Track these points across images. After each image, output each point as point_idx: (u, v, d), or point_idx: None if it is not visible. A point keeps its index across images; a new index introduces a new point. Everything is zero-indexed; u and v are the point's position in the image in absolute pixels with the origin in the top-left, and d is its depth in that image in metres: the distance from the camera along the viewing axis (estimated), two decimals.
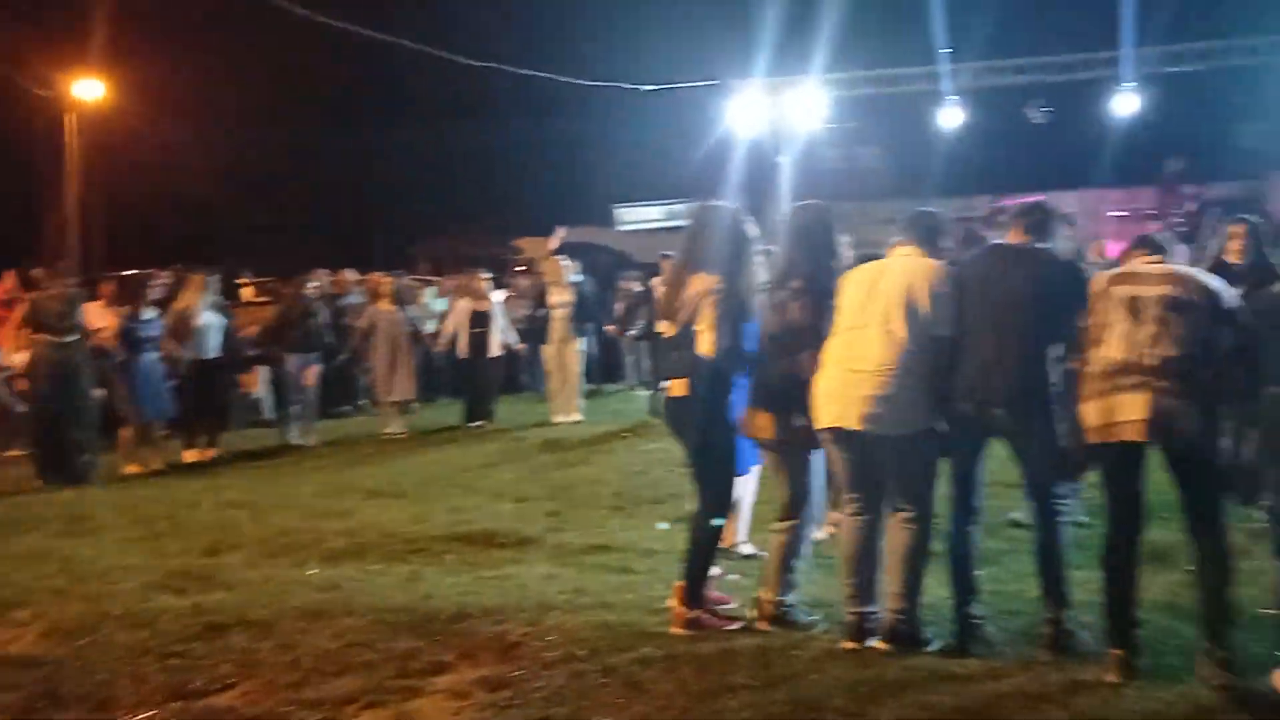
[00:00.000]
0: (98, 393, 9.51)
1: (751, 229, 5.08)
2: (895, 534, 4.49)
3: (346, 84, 27.22)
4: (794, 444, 4.71)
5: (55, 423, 9.08)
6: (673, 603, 4.83)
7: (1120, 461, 4.09)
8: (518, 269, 21.84)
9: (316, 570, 6.02)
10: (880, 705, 3.89)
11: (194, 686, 4.31)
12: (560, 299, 11.97)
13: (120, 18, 19.69)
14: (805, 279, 4.71)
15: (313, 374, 11.09)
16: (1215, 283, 4.14)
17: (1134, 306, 4.05)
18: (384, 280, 12.17)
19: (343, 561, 6.21)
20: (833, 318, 4.59)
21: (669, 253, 8.79)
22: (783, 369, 4.68)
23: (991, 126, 19.36)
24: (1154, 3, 16.11)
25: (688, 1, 21.13)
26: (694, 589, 4.82)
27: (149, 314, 10.05)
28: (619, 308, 14.33)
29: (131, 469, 9.70)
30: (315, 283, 11.71)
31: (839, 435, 4.48)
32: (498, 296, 12.44)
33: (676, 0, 21.64)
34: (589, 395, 12.74)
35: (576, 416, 11.78)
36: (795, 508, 4.78)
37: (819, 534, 5.81)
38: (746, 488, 5.76)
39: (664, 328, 5.02)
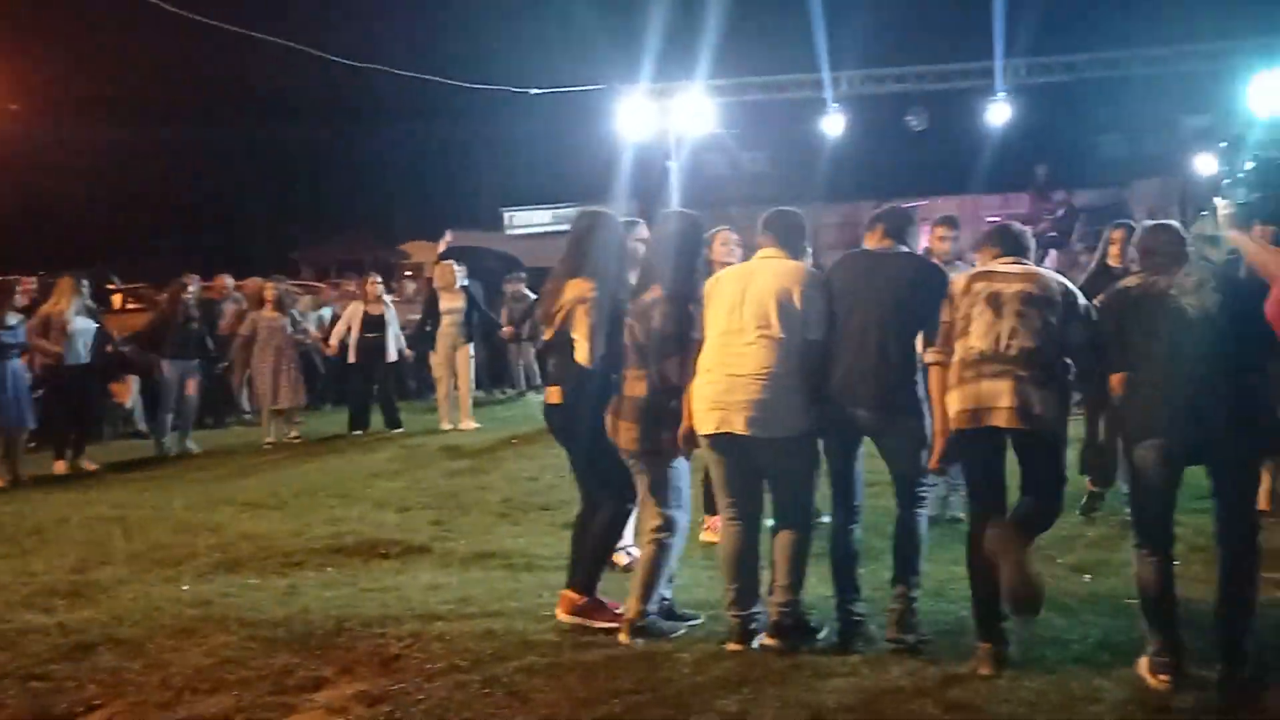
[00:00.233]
0: None
1: (643, 232, 5.07)
2: (780, 534, 4.55)
3: (223, 84, 26.44)
4: (662, 454, 4.65)
5: None
6: (560, 610, 4.83)
7: (983, 448, 4.23)
8: (405, 274, 21.55)
9: (189, 586, 5.82)
10: (763, 705, 3.92)
11: (58, 710, 4.15)
12: (451, 305, 11.83)
13: None
14: (666, 286, 4.67)
15: (193, 382, 10.81)
16: (1067, 282, 4.34)
17: (995, 301, 4.22)
18: (267, 285, 11.83)
19: (217, 576, 6.02)
20: (695, 325, 4.61)
21: None
22: (648, 378, 4.63)
23: (874, 133, 19.75)
24: (1023, 16, 16.68)
25: (575, 6, 21.09)
26: (589, 579, 4.83)
27: (13, 320, 9.58)
28: (504, 312, 14.24)
29: None
30: (193, 288, 11.34)
31: (720, 441, 4.49)
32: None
33: (564, 5, 21.58)
34: (477, 403, 12.59)
35: (473, 425, 11.63)
36: (663, 519, 4.71)
37: (710, 536, 5.84)
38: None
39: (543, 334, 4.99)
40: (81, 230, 26.36)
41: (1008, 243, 4.47)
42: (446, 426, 11.58)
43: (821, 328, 4.47)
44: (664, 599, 4.79)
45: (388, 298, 12.29)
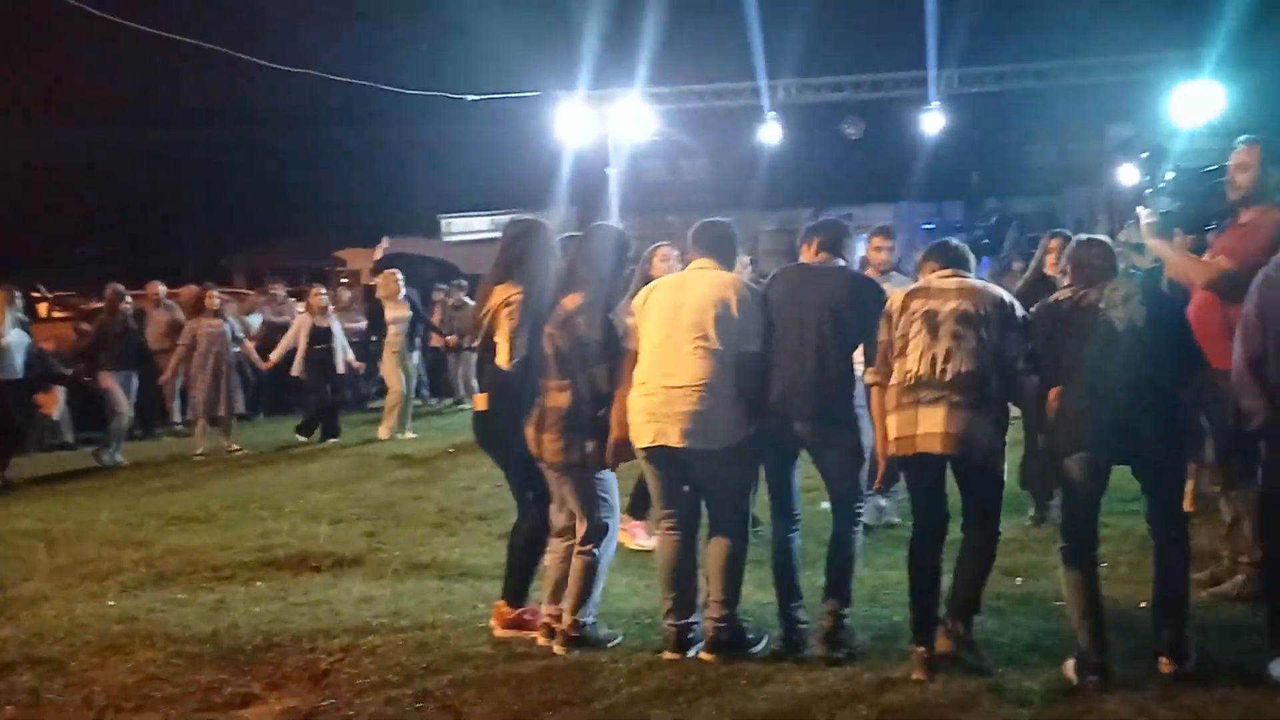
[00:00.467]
0: None
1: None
2: (714, 545, 4.53)
3: (151, 89, 25.93)
4: (586, 466, 4.59)
5: None
6: (493, 622, 4.80)
7: (923, 471, 4.29)
8: (341, 281, 21.30)
9: (114, 601, 5.68)
10: (698, 713, 3.93)
11: None
12: (396, 314, 11.70)
13: None
14: (589, 294, 4.63)
15: (131, 392, 10.63)
16: (1006, 296, 4.36)
17: (931, 321, 4.24)
18: (210, 293, 11.60)
19: (143, 591, 5.87)
20: (621, 334, 4.61)
21: None
22: (572, 388, 4.57)
23: (810, 141, 19.98)
24: (955, 27, 17.00)
25: (514, 13, 21.03)
26: (518, 589, 4.80)
27: None
28: (435, 319, 14.15)
29: None
30: (129, 297, 11.16)
31: (657, 453, 4.47)
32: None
33: (502, 11, 21.50)
34: (415, 413, 12.46)
35: (410, 434, 11.52)
36: (593, 531, 4.66)
37: (648, 543, 5.82)
38: None
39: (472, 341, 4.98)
40: (4, 237, 25.67)
41: (946, 256, 4.49)
42: (385, 435, 11.46)
43: (758, 339, 4.47)
44: (569, 616, 4.73)
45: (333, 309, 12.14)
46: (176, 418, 12.94)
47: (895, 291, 4.51)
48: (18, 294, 10.12)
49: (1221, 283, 4.74)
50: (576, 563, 4.66)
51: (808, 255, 4.80)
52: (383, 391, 14.31)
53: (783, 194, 21.84)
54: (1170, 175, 5.30)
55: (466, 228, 25.11)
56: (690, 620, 4.52)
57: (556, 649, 4.58)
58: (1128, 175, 16.05)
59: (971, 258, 4.58)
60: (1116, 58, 16.87)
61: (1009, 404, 4.33)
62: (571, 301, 4.63)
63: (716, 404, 4.38)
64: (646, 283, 5.94)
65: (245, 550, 6.67)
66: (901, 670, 4.22)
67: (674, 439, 4.38)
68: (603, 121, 17.79)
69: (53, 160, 25.42)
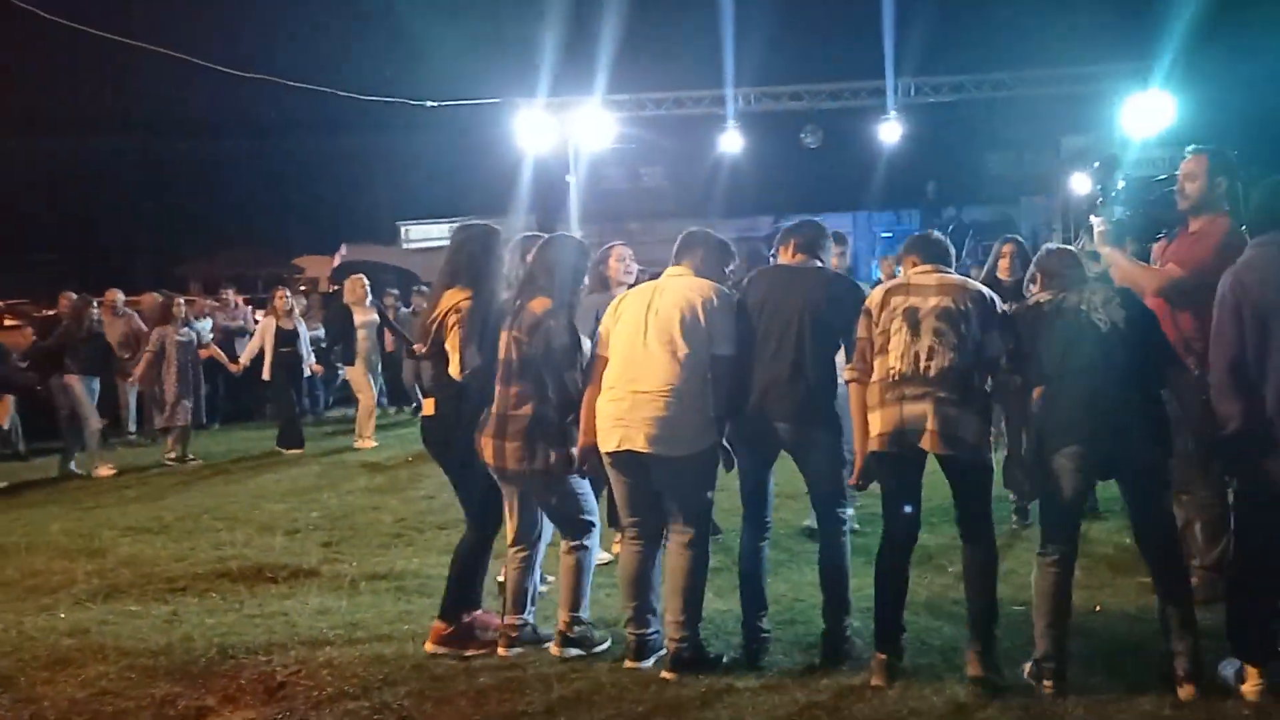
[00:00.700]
0: None
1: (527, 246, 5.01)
2: (675, 558, 4.50)
3: (107, 94, 25.58)
4: (550, 473, 4.55)
5: None
6: (429, 641, 4.75)
7: (903, 469, 4.27)
8: (299, 288, 21.09)
9: (66, 614, 5.58)
10: None
11: None
12: (365, 319, 11.59)
13: None
14: (557, 299, 4.61)
15: (94, 396, 10.50)
16: (986, 292, 4.37)
17: (912, 318, 4.23)
18: (177, 300, 11.46)
19: (95, 604, 5.77)
20: (579, 341, 4.59)
21: None
22: (539, 394, 4.53)
23: (770, 150, 20.07)
24: (913, 37, 17.17)
25: (474, 20, 20.99)
26: (454, 607, 4.74)
27: None
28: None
29: None
30: (95, 304, 11.04)
31: (622, 458, 4.45)
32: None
33: (463, 18, 21.44)
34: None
35: (371, 443, 11.42)
36: (576, 533, 4.66)
37: (604, 556, 5.79)
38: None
39: (419, 347, 4.90)
40: None
41: (928, 250, 4.47)
42: (360, 445, 11.34)
43: (731, 343, 4.46)
44: (527, 622, 4.74)
45: (298, 312, 12.02)
46: (131, 428, 12.75)
47: (875, 289, 4.50)
48: None
49: (1171, 290, 4.82)
50: (567, 561, 4.64)
51: (785, 257, 4.80)
52: (341, 400, 14.25)
53: (742, 202, 21.92)
54: (1121, 184, 5.38)
55: (425, 235, 24.96)
56: (651, 630, 4.51)
57: (553, 651, 4.56)
58: (1081, 184, 16.27)
59: (953, 251, 4.57)
60: (1069, 69, 17.12)
61: (991, 399, 4.34)
62: (540, 305, 4.58)
63: (682, 410, 4.36)
64: (602, 283, 5.97)
65: (200, 561, 6.59)
66: (860, 678, 4.24)
67: (639, 444, 4.37)
68: (563, 129, 17.77)
69: (3, 167, 25.00)
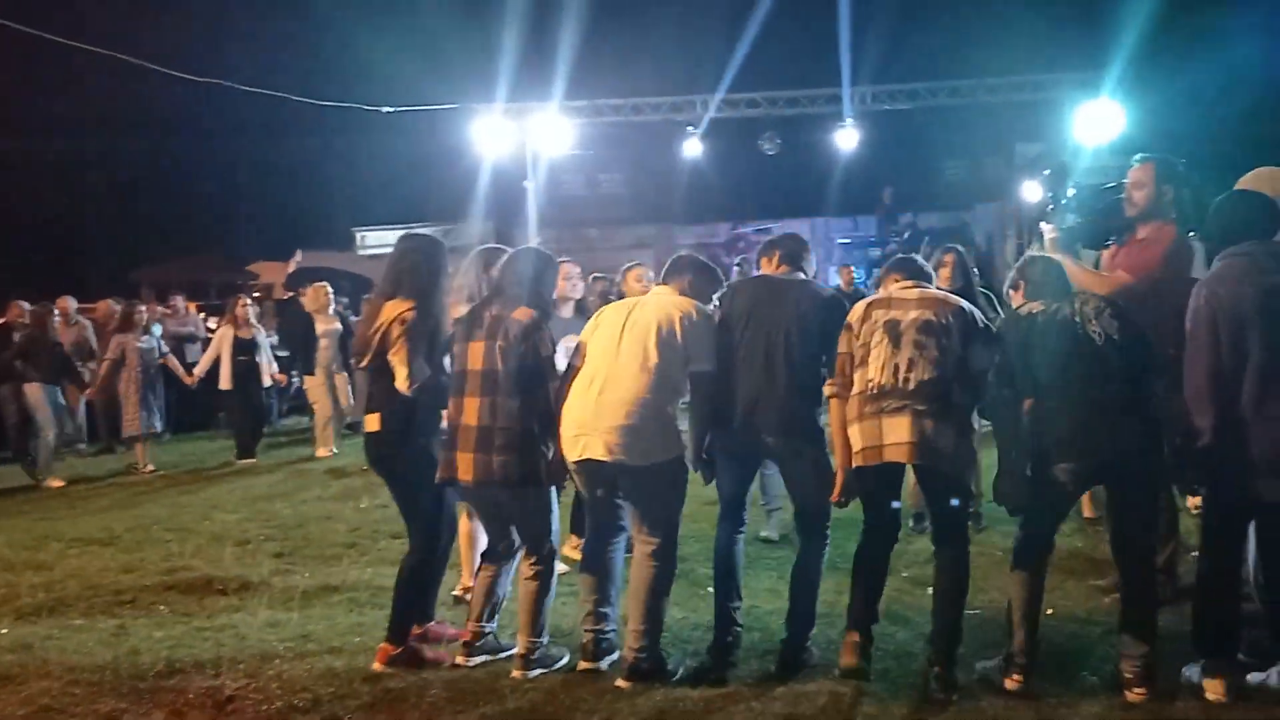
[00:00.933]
0: None
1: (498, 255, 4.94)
2: (639, 568, 4.47)
3: (57, 98, 25.12)
4: (532, 484, 4.47)
5: None
6: (376, 661, 4.66)
7: (883, 481, 4.29)
8: (254, 295, 20.84)
9: (9, 629, 5.47)
10: None
11: None
12: (327, 327, 11.46)
13: None
14: (539, 309, 4.58)
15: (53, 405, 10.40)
16: (967, 305, 4.39)
17: (893, 331, 4.25)
18: (137, 308, 11.27)
19: (40, 618, 5.66)
20: (551, 353, 4.56)
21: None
22: (524, 404, 4.45)
23: (729, 156, 20.11)
24: (869, 46, 17.31)
25: (432, 25, 20.86)
26: (401, 628, 4.67)
27: None
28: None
29: None
30: (57, 311, 10.92)
31: (587, 466, 4.42)
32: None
33: (420, 23, 21.31)
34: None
35: (327, 451, 11.28)
36: (541, 551, 4.58)
37: (562, 567, 5.75)
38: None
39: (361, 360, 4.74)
40: None
41: (909, 269, 4.53)
42: (320, 453, 11.19)
43: (710, 360, 4.46)
44: (489, 631, 4.68)
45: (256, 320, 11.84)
46: (83, 438, 12.53)
47: (858, 303, 4.51)
48: None
49: (1120, 296, 4.86)
50: (529, 586, 4.56)
51: (769, 268, 4.82)
52: (295, 410, 14.09)
53: (701, 208, 21.93)
54: (1072, 192, 5.43)
55: (381, 241, 24.72)
56: (607, 629, 4.49)
57: (515, 674, 4.47)
58: (1032, 192, 16.46)
59: (933, 274, 4.62)
60: (1023, 78, 17.31)
61: (972, 412, 4.34)
62: (525, 315, 4.51)
63: (648, 421, 4.35)
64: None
65: (149, 573, 6.48)
66: (816, 684, 4.25)
67: (599, 452, 4.34)
68: (521, 134, 17.70)
69: None
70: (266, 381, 11.52)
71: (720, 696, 4.21)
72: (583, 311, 6.23)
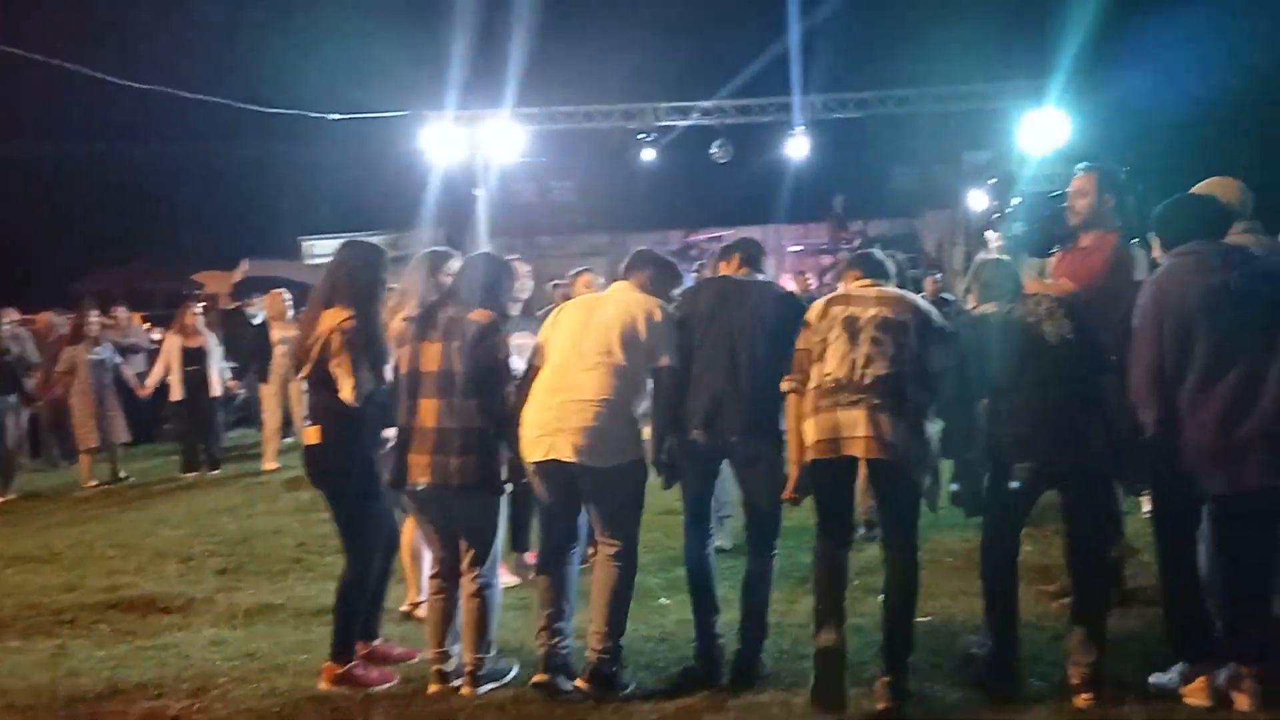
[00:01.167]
0: None
1: (455, 265, 4.88)
2: (601, 572, 4.44)
3: None
4: (489, 488, 4.45)
5: None
6: (322, 681, 4.58)
7: (836, 476, 4.26)
8: (201, 304, 20.49)
9: None
10: None
11: None
12: (284, 334, 11.28)
13: None
14: (496, 314, 4.53)
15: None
16: (924, 304, 4.40)
17: (851, 327, 4.24)
18: (90, 319, 11.00)
19: None
20: (509, 355, 4.52)
21: None
22: (484, 406, 4.42)
23: (680, 164, 20.14)
24: (819, 54, 17.44)
25: (380, 31, 20.70)
26: (342, 644, 4.60)
27: None
28: None
29: None
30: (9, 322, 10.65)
31: (548, 468, 4.36)
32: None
33: (368, 29, 21.13)
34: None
35: (274, 464, 11.08)
36: (484, 562, 4.51)
37: (511, 580, 5.69)
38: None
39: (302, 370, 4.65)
40: None
41: (869, 266, 4.52)
42: (271, 466, 10.98)
43: (673, 354, 4.44)
44: (451, 655, 4.58)
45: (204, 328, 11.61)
46: (24, 452, 12.23)
47: (816, 301, 4.49)
48: None
49: None
50: (473, 603, 4.48)
51: (728, 270, 4.80)
52: (241, 422, 13.85)
53: (653, 216, 21.94)
54: (1017, 200, 5.49)
55: (328, 250, 24.44)
56: (562, 640, 4.44)
57: (464, 690, 4.40)
58: (978, 200, 16.65)
59: (894, 269, 4.63)
60: (971, 86, 17.52)
61: (928, 411, 4.32)
62: (483, 316, 4.46)
63: (611, 421, 4.32)
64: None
65: (90, 591, 6.34)
66: (767, 695, 4.24)
67: (565, 453, 4.30)
68: (472, 142, 17.60)
69: None
70: (218, 391, 11.29)
71: (674, 709, 4.18)
72: (529, 312, 6.19)
